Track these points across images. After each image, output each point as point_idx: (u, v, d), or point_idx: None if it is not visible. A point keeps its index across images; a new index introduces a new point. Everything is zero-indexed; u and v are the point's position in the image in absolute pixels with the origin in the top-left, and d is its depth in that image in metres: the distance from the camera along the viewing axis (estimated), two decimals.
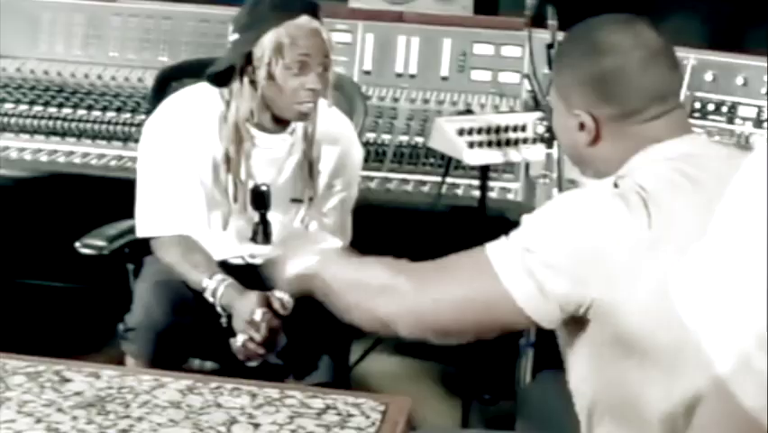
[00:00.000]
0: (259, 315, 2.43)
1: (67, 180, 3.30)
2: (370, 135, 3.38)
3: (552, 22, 2.69)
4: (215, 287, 2.52)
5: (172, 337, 2.54)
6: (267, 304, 2.45)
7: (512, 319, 1.63)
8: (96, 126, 3.43)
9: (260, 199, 2.66)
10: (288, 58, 2.51)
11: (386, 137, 3.41)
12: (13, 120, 3.43)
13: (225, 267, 2.64)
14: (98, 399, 1.82)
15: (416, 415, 1.96)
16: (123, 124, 3.43)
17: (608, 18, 1.74)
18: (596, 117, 1.70)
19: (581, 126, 1.72)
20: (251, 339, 2.43)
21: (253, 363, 2.46)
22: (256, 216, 2.68)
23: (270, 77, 2.53)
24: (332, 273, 1.79)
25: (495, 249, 1.64)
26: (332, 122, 2.76)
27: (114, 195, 3.08)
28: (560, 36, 2.70)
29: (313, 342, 2.61)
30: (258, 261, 2.72)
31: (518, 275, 1.60)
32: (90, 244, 2.82)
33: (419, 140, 3.41)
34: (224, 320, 2.50)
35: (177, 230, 2.63)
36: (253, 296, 2.47)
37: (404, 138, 3.43)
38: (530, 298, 1.59)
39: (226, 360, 2.52)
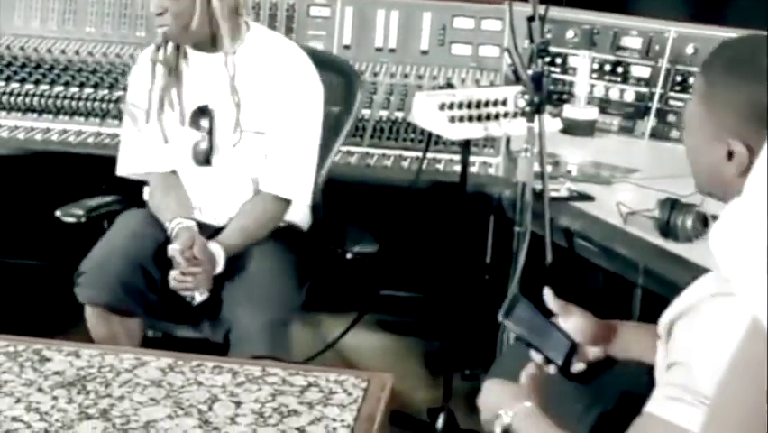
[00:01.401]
0: (170, 250, 2.60)
1: (45, 158, 3.26)
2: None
3: None
4: (173, 228, 2.69)
5: (122, 285, 2.61)
6: (188, 246, 2.60)
7: None
8: (74, 103, 3.39)
9: (197, 117, 2.77)
10: None
11: (366, 112, 3.37)
12: None
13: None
14: (78, 378, 1.80)
15: (399, 391, 1.95)
16: (101, 100, 3.39)
17: None
18: (752, 148, 1.52)
19: (730, 156, 1.55)
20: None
21: (188, 297, 2.60)
22: (196, 135, 2.78)
23: None
24: None
25: None
26: (282, 52, 2.80)
27: (93, 171, 3.06)
28: (541, 9, 2.68)
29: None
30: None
31: None
32: (70, 213, 2.89)
33: (399, 115, 3.39)
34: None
35: (141, 169, 2.85)
36: (183, 237, 2.63)
37: (384, 113, 3.40)
38: None
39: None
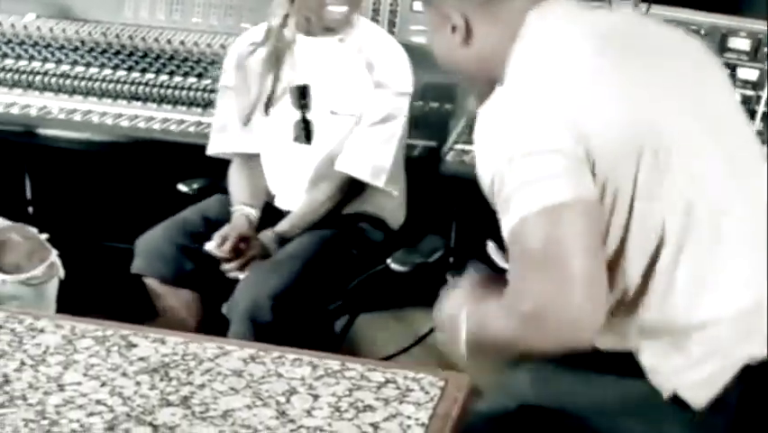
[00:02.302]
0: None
1: (147, 145, 3.33)
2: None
3: None
4: (232, 213, 2.86)
5: (170, 259, 2.82)
6: (220, 244, 2.75)
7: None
8: (177, 92, 3.46)
9: (297, 97, 2.88)
10: None
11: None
12: (96, 84, 3.48)
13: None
14: (162, 364, 1.84)
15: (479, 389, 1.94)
16: (204, 90, 3.46)
17: None
18: (465, 15, 1.72)
19: (453, 29, 1.74)
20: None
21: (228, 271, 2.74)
22: (297, 116, 2.87)
23: None
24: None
25: (517, 206, 1.61)
26: (382, 44, 2.91)
27: (192, 160, 3.12)
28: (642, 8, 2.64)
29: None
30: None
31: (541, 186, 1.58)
32: (189, 183, 3.13)
33: None
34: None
35: (227, 148, 3.00)
36: (219, 233, 2.78)
37: None
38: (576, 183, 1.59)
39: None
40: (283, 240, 2.82)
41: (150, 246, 2.82)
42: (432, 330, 3.21)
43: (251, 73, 2.92)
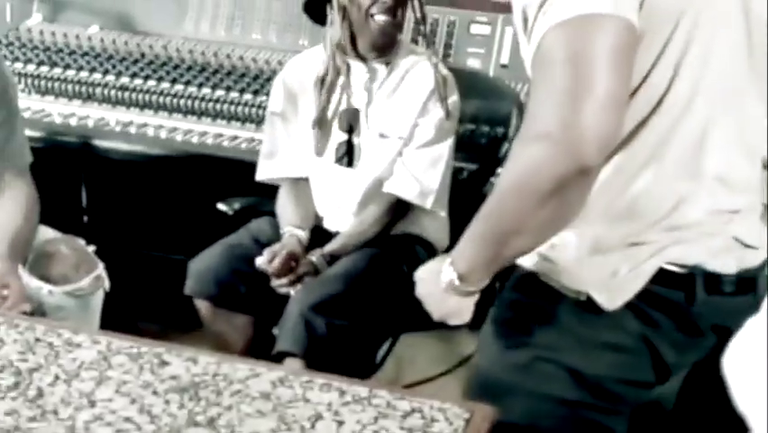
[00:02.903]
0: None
1: (199, 160, 3.38)
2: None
3: None
4: (283, 234, 2.90)
5: (224, 282, 2.86)
6: (269, 261, 2.80)
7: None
8: (232, 108, 3.50)
9: (346, 120, 2.92)
10: None
11: None
12: (153, 97, 3.53)
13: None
14: (192, 384, 1.86)
15: None
16: (258, 106, 3.49)
17: None
18: None
19: None
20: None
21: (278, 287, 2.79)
22: (343, 137, 2.91)
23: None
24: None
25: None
26: (429, 69, 2.93)
27: (244, 175, 3.16)
28: None
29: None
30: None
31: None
32: (229, 203, 3.16)
33: None
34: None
35: (275, 173, 3.04)
36: (268, 250, 2.81)
37: None
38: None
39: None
40: (332, 260, 2.85)
41: (203, 268, 2.86)
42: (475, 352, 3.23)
43: (300, 98, 2.96)
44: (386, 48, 2.93)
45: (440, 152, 2.91)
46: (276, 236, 2.91)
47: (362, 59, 2.95)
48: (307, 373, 1.93)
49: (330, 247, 2.87)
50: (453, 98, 2.94)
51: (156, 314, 3.62)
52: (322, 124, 2.92)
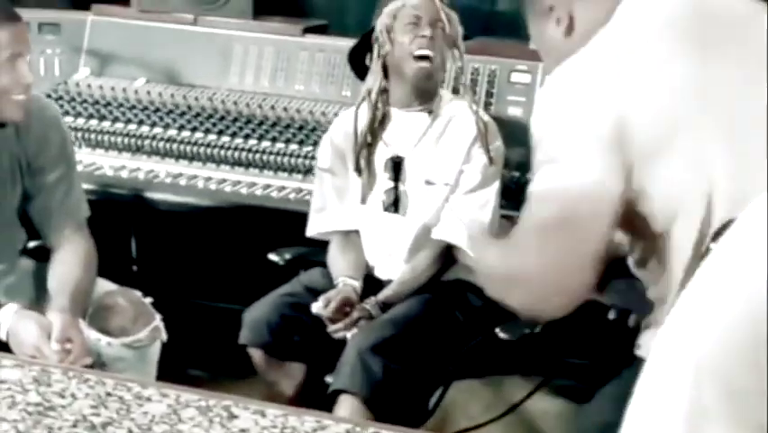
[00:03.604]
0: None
1: (248, 211, 3.43)
2: None
3: None
4: (337, 284, 2.93)
5: (277, 331, 2.89)
6: (324, 306, 2.83)
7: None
8: (279, 158, 3.55)
9: (392, 168, 2.97)
10: (401, 19, 2.90)
11: None
12: (201, 149, 3.59)
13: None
14: None
15: None
16: (305, 156, 3.53)
17: None
18: (570, 6, 1.85)
19: (558, 22, 1.88)
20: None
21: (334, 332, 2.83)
22: (389, 185, 2.96)
23: (390, 41, 2.92)
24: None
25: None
26: (471, 116, 2.99)
27: (293, 226, 3.21)
28: None
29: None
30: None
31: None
32: (280, 254, 3.19)
33: None
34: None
35: (325, 228, 3.08)
36: (324, 296, 2.86)
37: None
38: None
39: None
40: (386, 307, 2.89)
41: (257, 318, 2.91)
42: (524, 399, 3.25)
43: (348, 154, 3.04)
44: (426, 94, 2.98)
45: (487, 198, 2.95)
46: (329, 285, 2.95)
47: (404, 107, 3.01)
48: (374, 424, 1.96)
49: (384, 294, 2.91)
50: (497, 144, 2.99)
51: (205, 362, 3.66)
52: (368, 171, 2.96)
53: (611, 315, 2.59)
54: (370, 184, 3.01)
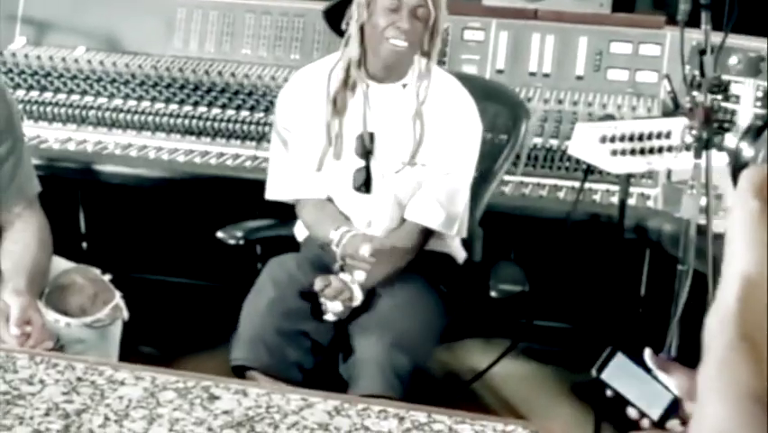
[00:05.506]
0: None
1: (203, 181, 3.31)
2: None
3: (706, 27, 2.57)
4: (339, 237, 2.71)
5: (271, 350, 2.61)
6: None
7: None
8: (231, 125, 3.44)
9: (363, 146, 2.80)
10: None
11: None
12: (149, 118, 3.47)
13: None
14: (247, 418, 1.82)
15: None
16: (257, 123, 3.44)
17: None
18: None
19: None
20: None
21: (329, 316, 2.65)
22: (359, 164, 2.80)
23: (368, 14, 2.71)
24: None
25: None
26: (449, 91, 2.82)
27: (249, 195, 3.10)
28: (716, 39, 2.61)
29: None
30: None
31: None
32: (232, 234, 2.96)
33: (554, 142, 3.35)
34: (336, 266, 2.70)
35: (292, 195, 2.88)
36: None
37: (538, 140, 3.36)
38: None
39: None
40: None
41: (253, 335, 2.64)
42: (492, 364, 3.19)
43: (308, 113, 2.84)
44: (401, 69, 2.79)
45: (464, 179, 2.81)
46: (303, 277, 2.74)
47: (375, 79, 2.80)
48: (363, 400, 1.89)
49: (379, 241, 2.74)
50: (475, 122, 2.84)
51: (156, 339, 3.56)
52: (340, 148, 2.79)
53: None
54: (336, 155, 2.82)
